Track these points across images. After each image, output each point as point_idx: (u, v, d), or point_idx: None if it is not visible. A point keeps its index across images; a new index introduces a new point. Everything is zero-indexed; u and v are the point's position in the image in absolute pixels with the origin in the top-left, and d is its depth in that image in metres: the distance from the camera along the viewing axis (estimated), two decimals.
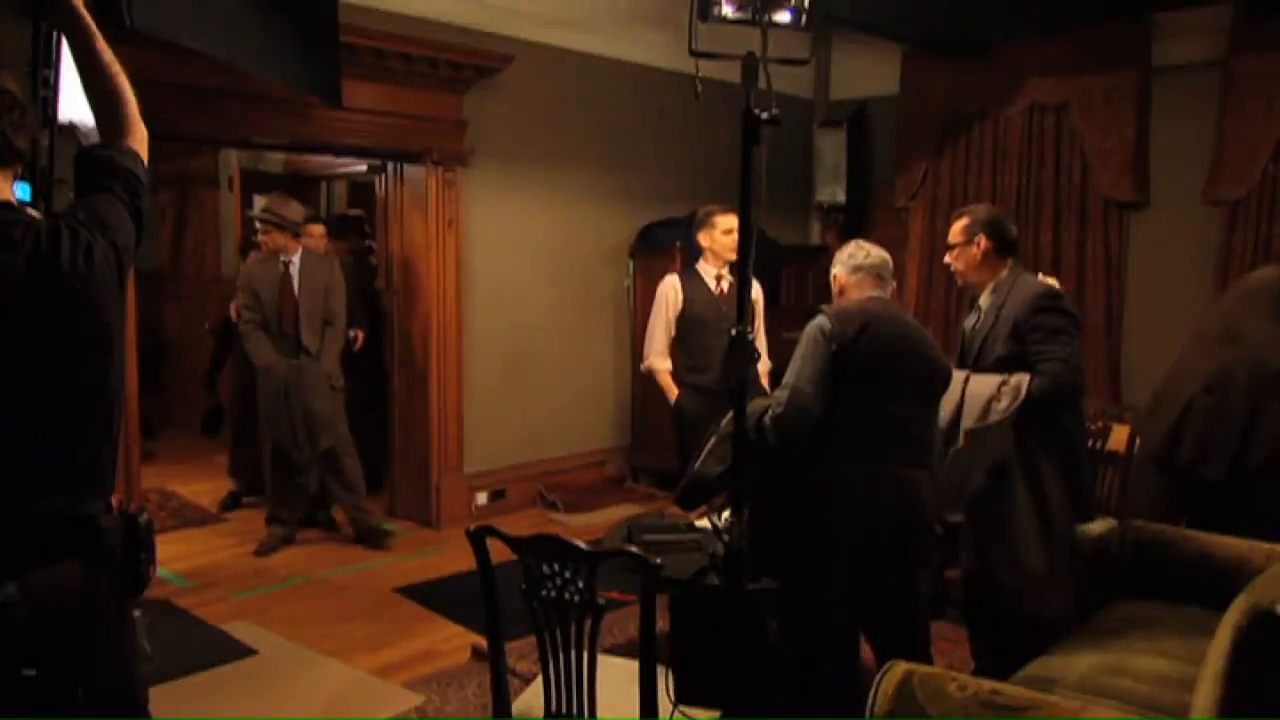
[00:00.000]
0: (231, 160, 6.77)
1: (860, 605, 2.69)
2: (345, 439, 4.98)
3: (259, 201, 5.28)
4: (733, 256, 4.36)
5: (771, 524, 2.71)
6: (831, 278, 2.91)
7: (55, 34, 1.96)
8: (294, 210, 5.04)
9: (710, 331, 4.35)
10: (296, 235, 5.01)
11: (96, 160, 1.71)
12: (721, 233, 4.35)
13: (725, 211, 4.34)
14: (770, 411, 2.65)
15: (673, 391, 4.46)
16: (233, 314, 5.32)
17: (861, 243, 2.90)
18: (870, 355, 2.62)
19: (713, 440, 2.85)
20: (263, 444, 5.04)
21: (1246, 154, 5.12)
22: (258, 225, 5.08)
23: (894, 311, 2.79)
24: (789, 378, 2.65)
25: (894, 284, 2.90)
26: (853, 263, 2.83)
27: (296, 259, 4.96)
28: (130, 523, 1.65)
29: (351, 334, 5.44)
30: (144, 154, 1.80)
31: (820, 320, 2.67)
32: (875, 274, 2.82)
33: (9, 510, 1.53)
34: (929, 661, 2.68)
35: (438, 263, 5.23)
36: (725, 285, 4.40)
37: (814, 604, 2.65)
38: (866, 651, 2.86)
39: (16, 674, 1.52)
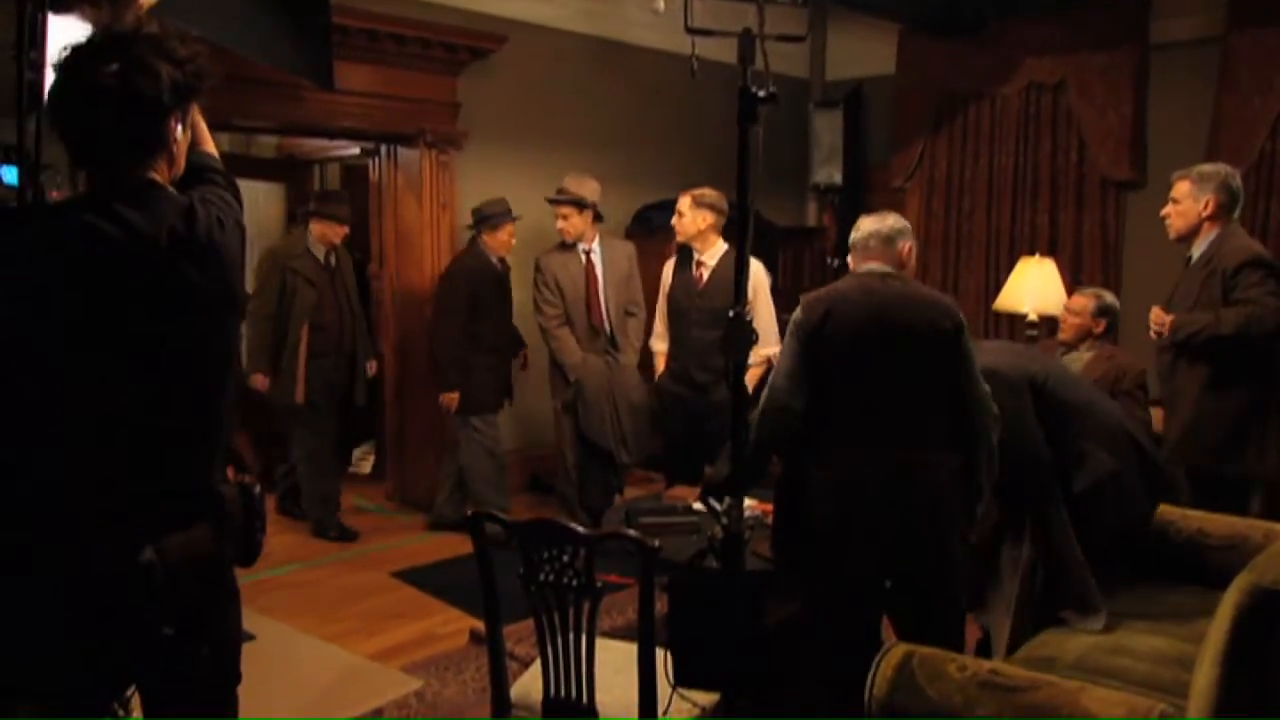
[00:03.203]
0: (224, 144, 6.72)
1: (861, 594, 2.58)
2: None
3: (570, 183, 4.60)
4: (681, 238, 4.33)
5: (779, 515, 2.67)
6: None
7: (40, 15, 1.93)
8: (593, 189, 4.57)
9: (683, 320, 4.35)
10: (599, 217, 4.57)
11: (196, 161, 1.79)
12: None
13: (683, 192, 4.31)
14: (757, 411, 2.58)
15: (659, 372, 4.47)
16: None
17: (865, 217, 2.73)
18: (840, 340, 2.51)
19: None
20: (563, 449, 4.72)
21: (1244, 132, 5.10)
22: (556, 210, 4.57)
23: (867, 284, 2.59)
24: (773, 374, 2.61)
25: (899, 248, 2.65)
26: (850, 240, 2.72)
27: (597, 247, 4.56)
28: (246, 493, 1.71)
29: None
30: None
31: (796, 311, 2.60)
32: (864, 248, 2.67)
33: (144, 480, 1.59)
34: (960, 651, 2.57)
35: (432, 246, 5.20)
36: (705, 273, 4.34)
37: (817, 594, 2.61)
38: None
39: (157, 632, 1.60)
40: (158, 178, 1.65)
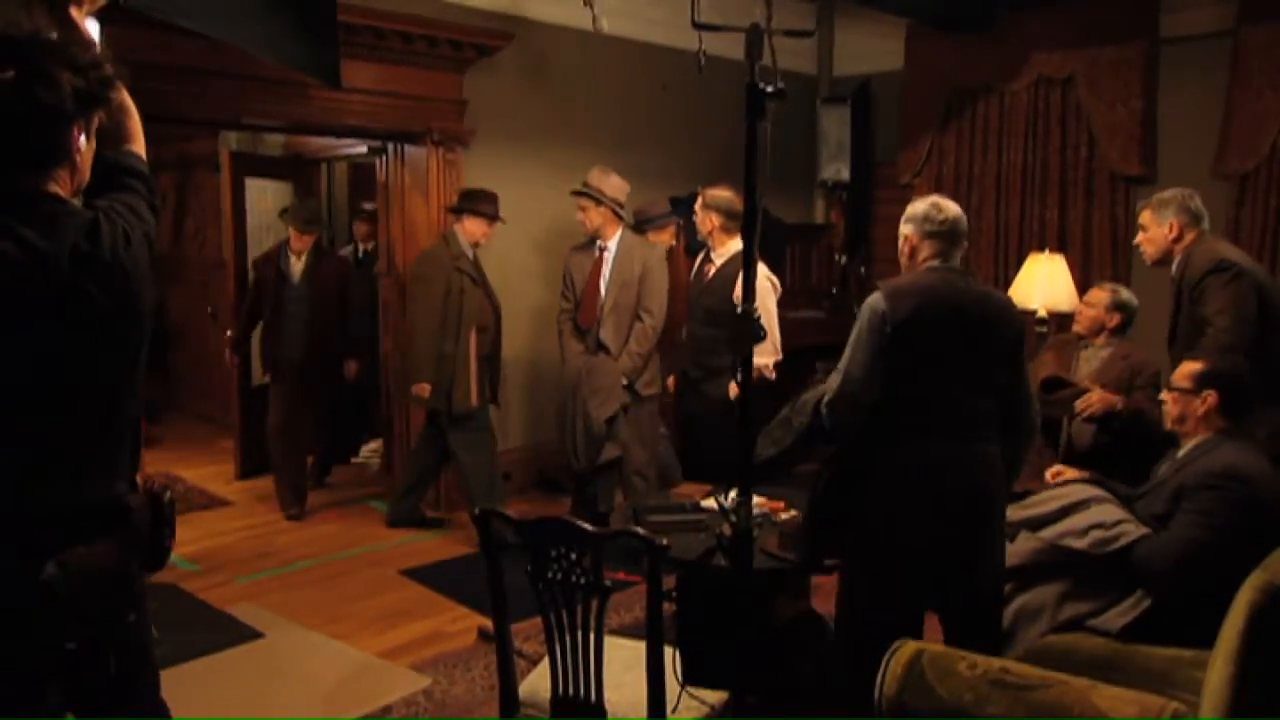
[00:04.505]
0: (230, 143, 6.73)
1: (925, 588, 2.56)
2: (639, 457, 4.47)
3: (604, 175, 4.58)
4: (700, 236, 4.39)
5: (832, 505, 2.61)
6: (901, 237, 2.67)
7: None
8: (614, 185, 4.51)
9: (690, 317, 4.42)
10: (619, 216, 4.50)
11: (115, 162, 1.77)
12: None
13: (701, 189, 4.35)
14: (825, 397, 2.56)
15: None
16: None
17: (939, 201, 2.64)
18: (927, 335, 2.49)
19: (771, 423, 2.79)
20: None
21: (1255, 126, 5.06)
22: (578, 202, 4.55)
23: (954, 282, 2.58)
24: (843, 362, 2.54)
25: (966, 243, 2.67)
26: (928, 226, 2.59)
27: (613, 244, 4.50)
28: (156, 501, 1.72)
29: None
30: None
31: (875, 300, 2.51)
32: (950, 239, 2.60)
33: (45, 495, 1.59)
34: (997, 647, 2.58)
35: None
36: (711, 270, 4.34)
37: (877, 588, 2.54)
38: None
39: (60, 648, 1.61)
40: (59, 190, 1.61)
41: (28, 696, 1.64)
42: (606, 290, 4.50)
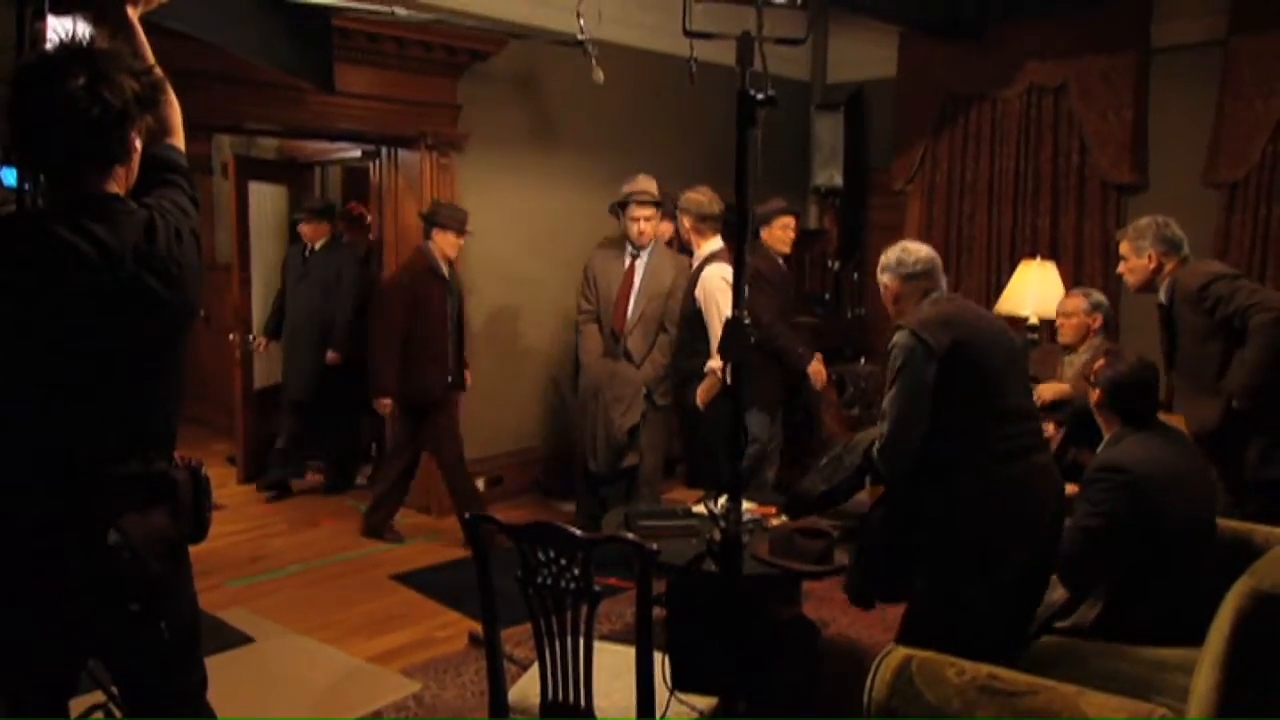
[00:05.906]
0: (224, 146, 6.72)
1: (1024, 596, 2.59)
2: (651, 463, 4.41)
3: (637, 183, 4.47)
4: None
5: (893, 547, 2.61)
6: (882, 286, 2.78)
7: (39, 19, 1.96)
8: (657, 189, 4.50)
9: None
10: (670, 221, 4.48)
11: (162, 158, 1.87)
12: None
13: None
14: (875, 444, 2.58)
15: None
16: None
17: (907, 245, 2.75)
18: (975, 358, 2.52)
19: (823, 459, 2.85)
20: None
21: (1245, 135, 5.09)
22: (636, 211, 4.42)
23: (968, 307, 2.72)
24: (887, 405, 2.55)
25: (944, 277, 2.77)
26: (903, 270, 2.69)
27: (646, 254, 4.47)
28: (195, 476, 1.85)
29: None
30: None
31: (906, 340, 2.52)
32: (929, 276, 2.70)
33: (103, 468, 1.71)
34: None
35: None
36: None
37: (976, 614, 2.50)
38: None
39: (125, 609, 1.74)
40: (117, 189, 1.73)
41: (83, 655, 1.79)
42: (636, 300, 4.46)
